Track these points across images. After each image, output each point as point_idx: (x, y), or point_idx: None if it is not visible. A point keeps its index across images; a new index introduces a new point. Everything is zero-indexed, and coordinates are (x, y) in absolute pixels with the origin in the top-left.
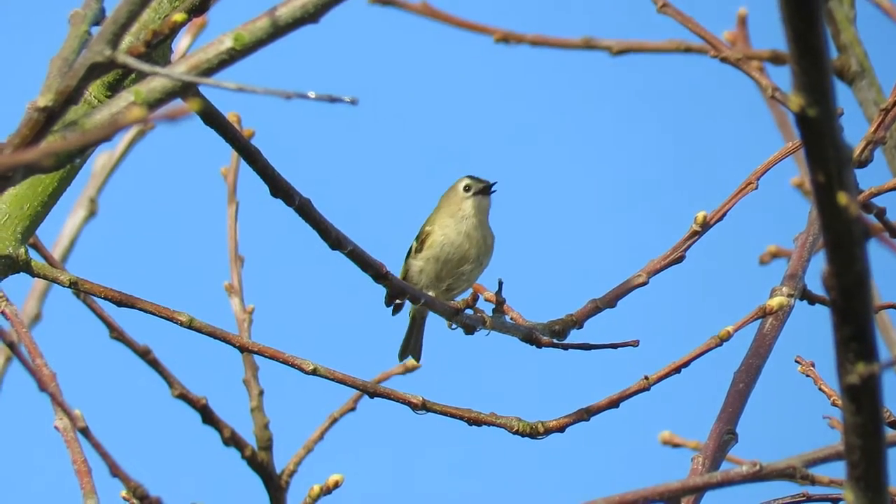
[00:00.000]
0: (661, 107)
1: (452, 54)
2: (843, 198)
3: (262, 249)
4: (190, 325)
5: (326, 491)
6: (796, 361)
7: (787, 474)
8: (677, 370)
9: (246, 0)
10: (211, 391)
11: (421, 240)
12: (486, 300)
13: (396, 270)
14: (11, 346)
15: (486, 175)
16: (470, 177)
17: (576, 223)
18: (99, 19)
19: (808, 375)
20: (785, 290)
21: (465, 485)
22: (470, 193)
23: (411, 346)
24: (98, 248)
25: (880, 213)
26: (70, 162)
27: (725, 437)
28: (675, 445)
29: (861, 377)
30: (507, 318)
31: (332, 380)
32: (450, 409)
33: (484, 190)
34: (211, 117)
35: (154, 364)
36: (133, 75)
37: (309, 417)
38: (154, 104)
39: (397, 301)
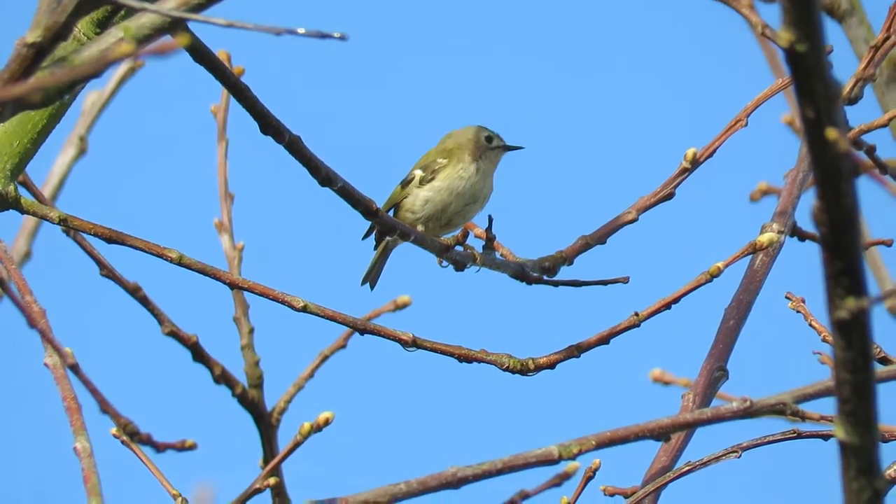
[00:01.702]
0: (650, 44)
1: None
2: (832, 133)
3: (252, 187)
4: (180, 262)
5: (317, 428)
6: (787, 297)
7: (777, 410)
8: (667, 306)
9: None
10: (201, 328)
11: (433, 170)
12: (477, 237)
13: (382, 202)
14: (1, 282)
15: (496, 125)
16: (489, 130)
17: (565, 160)
18: None
19: (798, 311)
20: (775, 226)
21: (456, 421)
22: (493, 145)
23: (374, 273)
24: (88, 186)
25: (870, 150)
26: (59, 98)
27: (716, 373)
28: (666, 383)
29: (851, 312)
30: (498, 254)
31: (323, 317)
32: (440, 345)
33: (507, 148)
34: (201, 54)
35: (144, 301)
36: (122, 12)
37: (299, 355)
38: (143, 40)
39: (388, 238)
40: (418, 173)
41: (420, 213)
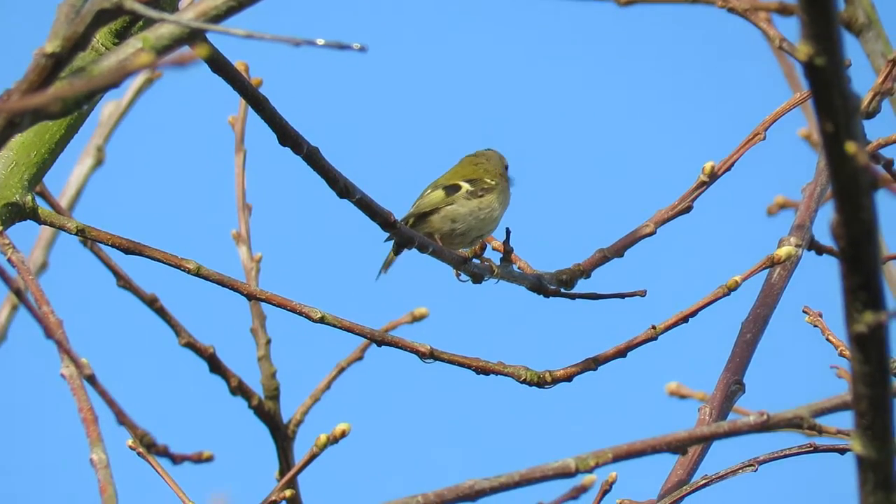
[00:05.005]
0: (668, 58)
1: (458, 3)
2: (850, 146)
3: (270, 198)
4: (197, 273)
5: (333, 440)
6: (804, 312)
7: (794, 424)
8: (685, 320)
9: None
10: (218, 340)
11: (483, 188)
12: (494, 249)
13: (404, 212)
14: (18, 293)
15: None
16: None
17: (583, 173)
18: None
19: (815, 325)
20: (793, 240)
21: (473, 434)
22: (508, 174)
23: (385, 267)
24: (105, 196)
25: (888, 165)
26: (77, 108)
27: (733, 387)
28: (683, 397)
29: (869, 326)
30: (515, 267)
31: (340, 328)
32: (457, 357)
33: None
34: (219, 65)
35: (161, 312)
36: (141, 22)
37: (316, 366)
38: (162, 51)
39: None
40: (466, 185)
41: (459, 224)
